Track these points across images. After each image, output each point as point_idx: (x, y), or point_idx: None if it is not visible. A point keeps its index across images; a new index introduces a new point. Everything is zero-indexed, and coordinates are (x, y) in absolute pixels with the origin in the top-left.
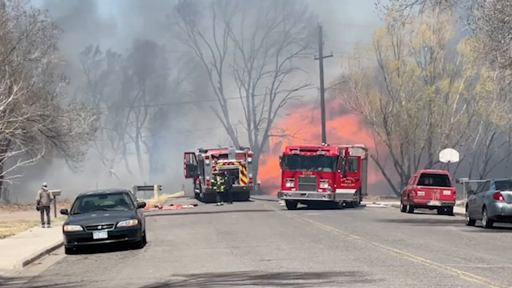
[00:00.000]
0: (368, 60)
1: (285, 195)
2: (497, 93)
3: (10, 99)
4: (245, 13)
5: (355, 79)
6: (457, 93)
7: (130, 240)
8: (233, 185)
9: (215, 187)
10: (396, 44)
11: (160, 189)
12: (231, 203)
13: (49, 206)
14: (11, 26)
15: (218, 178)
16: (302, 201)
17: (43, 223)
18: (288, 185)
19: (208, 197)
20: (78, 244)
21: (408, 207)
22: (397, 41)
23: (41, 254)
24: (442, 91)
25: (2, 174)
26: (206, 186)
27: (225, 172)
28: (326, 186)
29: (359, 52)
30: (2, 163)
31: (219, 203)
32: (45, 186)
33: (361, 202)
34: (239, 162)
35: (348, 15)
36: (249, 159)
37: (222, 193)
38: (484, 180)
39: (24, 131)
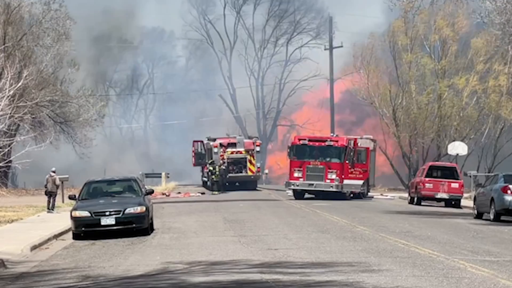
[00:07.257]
0: (379, 51)
1: (293, 185)
2: (507, 87)
3: (19, 84)
4: (257, 2)
5: (366, 70)
6: (468, 87)
7: (137, 226)
8: (241, 174)
9: (213, 176)
10: (409, 36)
11: (168, 177)
12: (223, 192)
13: (54, 192)
14: (24, 12)
15: (216, 167)
16: (309, 191)
17: (48, 209)
18: (296, 175)
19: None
20: (86, 230)
21: (415, 199)
22: (411, 33)
23: (49, 239)
24: (455, 85)
25: (10, 158)
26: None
27: (219, 162)
28: (334, 176)
29: (370, 43)
30: (11, 148)
31: (215, 192)
32: (53, 172)
33: (369, 194)
34: (247, 151)
35: (359, 6)
36: (257, 148)
37: (218, 182)
38: (493, 174)
39: (33, 116)
